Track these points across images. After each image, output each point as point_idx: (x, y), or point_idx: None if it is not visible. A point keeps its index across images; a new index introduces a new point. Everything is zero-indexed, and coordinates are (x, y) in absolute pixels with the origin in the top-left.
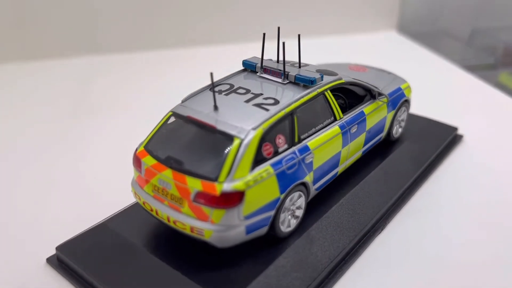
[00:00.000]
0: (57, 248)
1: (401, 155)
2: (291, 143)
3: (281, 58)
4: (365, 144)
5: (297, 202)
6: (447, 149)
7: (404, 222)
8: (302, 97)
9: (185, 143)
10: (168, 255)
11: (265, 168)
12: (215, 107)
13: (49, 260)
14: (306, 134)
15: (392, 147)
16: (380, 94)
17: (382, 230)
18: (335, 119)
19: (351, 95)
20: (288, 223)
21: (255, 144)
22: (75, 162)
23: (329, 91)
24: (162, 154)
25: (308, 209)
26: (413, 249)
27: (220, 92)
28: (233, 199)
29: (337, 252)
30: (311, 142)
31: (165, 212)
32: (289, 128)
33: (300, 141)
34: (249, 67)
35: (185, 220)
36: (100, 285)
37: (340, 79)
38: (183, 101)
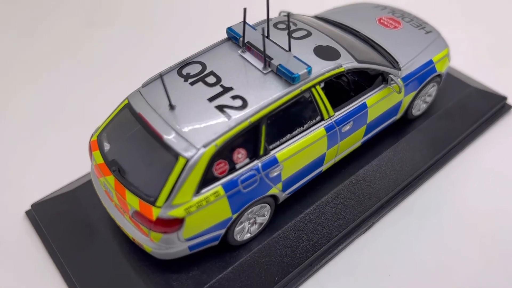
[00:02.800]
0: (32, 206)
1: (418, 137)
2: (254, 156)
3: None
4: (366, 134)
5: (259, 212)
6: (482, 129)
7: (395, 222)
8: (278, 99)
9: (132, 147)
10: (123, 243)
11: (214, 190)
12: (171, 106)
13: (27, 213)
14: (277, 143)
15: (412, 124)
16: (392, 79)
17: (367, 229)
18: (322, 119)
19: (360, 75)
20: (248, 230)
21: (204, 165)
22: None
23: (317, 86)
24: (109, 154)
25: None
26: (396, 256)
27: (187, 77)
28: (170, 225)
29: (310, 253)
30: (282, 153)
31: (112, 212)
32: (253, 139)
33: (266, 153)
34: (232, 38)
35: (128, 228)
36: (60, 255)
37: (339, 67)
38: (143, 85)
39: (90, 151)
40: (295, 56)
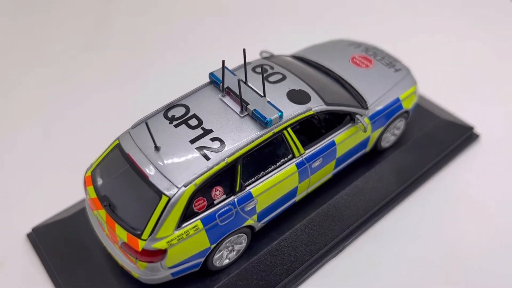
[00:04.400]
0: (33, 229)
1: (387, 167)
2: (231, 192)
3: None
4: (336, 167)
5: (237, 241)
6: (449, 158)
7: (364, 247)
8: (252, 141)
9: (122, 184)
10: (115, 267)
11: (194, 224)
12: (156, 148)
13: (29, 236)
14: (252, 180)
15: (382, 155)
16: (358, 119)
17: (338, 253)
18: (294, 157)
19: (331, 113)
20: (226, 256)
21: (184, 202)
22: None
23: (289, 129)
24: (102, 189)
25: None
26: (364, 279)
27: (172, 119)
28: (154, 256)
29: (284, 276)
30: (256, 188)
31: (104, 241)
32: (230, 177)
33: (242, 189)
34: (214, 83)
35: (118, 256)
36: (58, 277)
37: (309, 110)
38: (133, 127)
39: (84, 185)
40: (268, 102)
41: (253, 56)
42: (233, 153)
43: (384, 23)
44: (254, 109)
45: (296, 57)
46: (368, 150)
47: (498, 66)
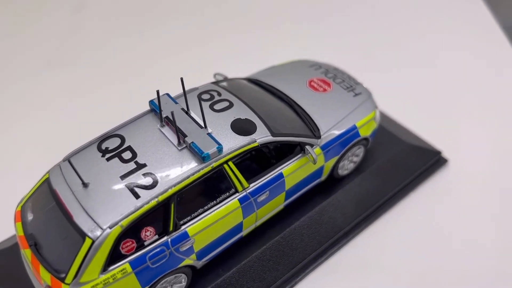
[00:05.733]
0: None
1: (346, 195)
2: (164, 232)
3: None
4: (287, 198)
5: (175, 280)
6: (415, 184)
7: (320, 282)
8: (188, 177)
9: (48, 222)
10: None
11: (121, 268)
12: (84, 184)
13: None
14: (188, 218)
15: (341, 182)
16: (311, 146)
17: None
18: (236, 191)
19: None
20: None
21: (109, 245)
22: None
23: (230, 162)
24: (29, 227)
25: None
26: None
27: (105, 152)
28: None
29: None
30: (193, 227)
31: (32, 280)
32: (163, 216)
33: (177, 228)
34: (154, 111)
35: None
36: None
37: (253, 142)
38: (64, 159)
39: (14, 220)
40: (208, 134)
41: (208, 78)
42: (165, 191)
43: (353, 41)
44: (192, 142)
45: (251, 80)
46: (324, 179)
47: (471, 89)
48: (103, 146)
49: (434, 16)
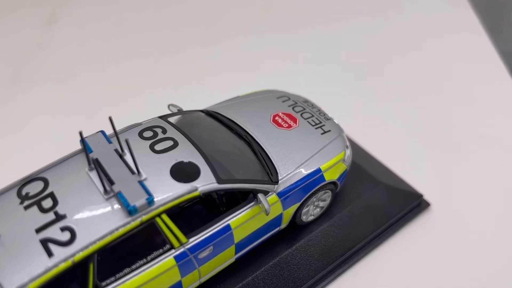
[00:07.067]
0: None
1: (313, 243)
2: None
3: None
4: (238, 251)
5: None
6: (393, 230)
7: None
8: (110, 233)
9: None
10: None
11: None
12: None
13: None
14: (112, 279)
15: (308, 228)
16: (266, 192)
17: None
18: (172, 247)
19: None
20: None
21: None
22: None
23: (163, 215)
24: None
25: None
26: None
27: (24, 198)
28: None
29: None
30: None
31: None
32: (81, 278)
33: None
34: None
35: None
36: None
37: (193, 191)
38: None
39: None
40: (140, 181)
41: (162, 110)
42: (83, 249)
43: (338, 72)
44: (119, 192)
45: (208, 113)
46: (284, 227)
47: (453, 132)
48: (24, 191)
49: (428, 47)
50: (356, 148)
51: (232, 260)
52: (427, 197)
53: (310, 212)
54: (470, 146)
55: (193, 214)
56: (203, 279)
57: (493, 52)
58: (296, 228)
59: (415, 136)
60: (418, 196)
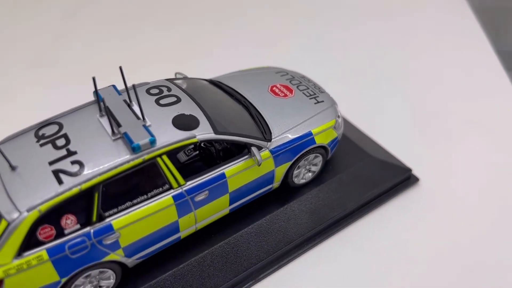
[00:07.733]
0: None
1: (302, 205)
2: (87, 222)
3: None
4: (232, 202)
5: (102, 276)
6: (381, 201)
7: None
8: (115, 167)
9: None
10: None
11: (37, 254)
12: (11, 167)
13: None
14: (115, 210)
15: (299, 191)
16: (260, 148)
17: None
18: (171, 188)
19: (232, 145)
20: None
21: (25, 229)
22: None
23: (164, 156)
24: None
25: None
26: None
27: (40, 138)
28: None
29: None
30: (118, 220)
31: None
32: (86, 206)
33: (101, 219)
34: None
35: None
36: None
37: (192, 138)
38: (2, 142)
39: None
40: (144, 125)
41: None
42: (90, 179)
43: (336, 54)
44: (125, 132)
45: (211, 82)
46: (276, 186)
47: (443, 117)
48: (40, 133)
49: (421, 34)
50: (349, 126)
51: (226, 211)
52: (416, 172)
53: (302, 175)
54: (459, 129)
55: (193, 170)
56: (198, 225)
57: (490, 51)
58: (289, 190)
59: (408, 118)
60: (407, 170)
